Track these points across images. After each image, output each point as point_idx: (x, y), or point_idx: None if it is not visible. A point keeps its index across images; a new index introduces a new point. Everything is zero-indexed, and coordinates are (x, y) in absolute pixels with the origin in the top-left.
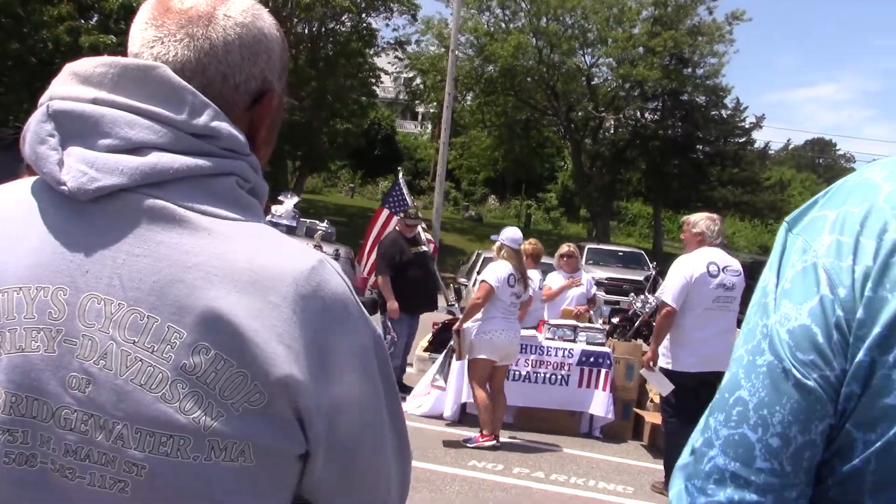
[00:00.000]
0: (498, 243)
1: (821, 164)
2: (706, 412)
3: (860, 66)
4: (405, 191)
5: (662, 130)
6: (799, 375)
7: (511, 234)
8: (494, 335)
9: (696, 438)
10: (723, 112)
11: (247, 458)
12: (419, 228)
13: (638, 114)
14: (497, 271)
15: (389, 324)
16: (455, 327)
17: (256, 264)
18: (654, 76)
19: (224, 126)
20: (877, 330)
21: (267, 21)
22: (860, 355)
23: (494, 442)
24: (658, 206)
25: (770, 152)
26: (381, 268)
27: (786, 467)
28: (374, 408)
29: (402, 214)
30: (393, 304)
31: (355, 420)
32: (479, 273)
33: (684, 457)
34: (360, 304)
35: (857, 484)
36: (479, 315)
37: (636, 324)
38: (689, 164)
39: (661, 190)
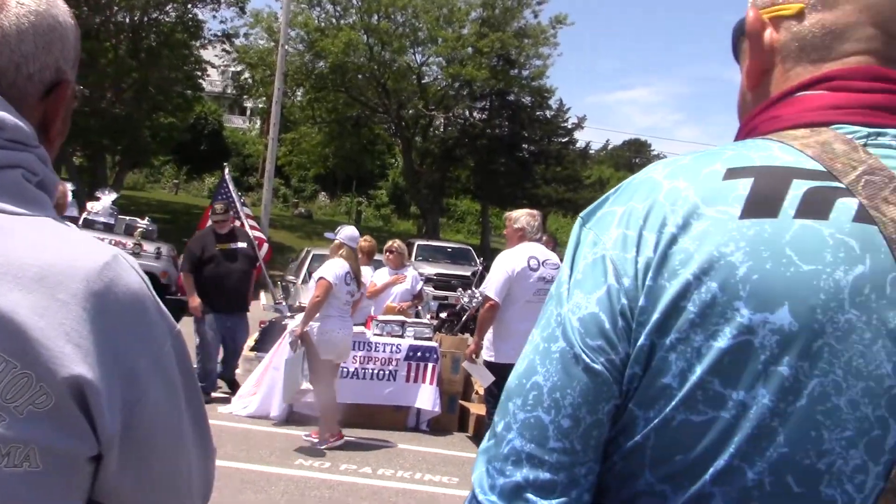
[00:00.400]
0: (337, 241)
1: (637, 163)
2: (504, 397)
3: (672, 72)
4: (231, 187)
5: (490, 129)
6: (588, 360)
7: (350, 232)
8: (332, 335)
9: (496, 423)
10: (547, 112)
11: (32, 463)
12: (247, 226)
13: (467, 113)
14: (335, 269)
15: (195, 324)
16: (298, 331)
17: (43, 260)
18: (483, 76)
19: (8, 117)
20: (656, 316)
21: (61, 9)
22: (641, 339)
23: (344, 440)
24: (486, 202)
25: (591, 152)
26: (183, 265)
27: (576, 446)
28: (171, 405)
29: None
30: (193, 302)
31: (151, 418)
32: (308, 271)
33: (486, 441)
34: (158, 299)
35: (638, 458)
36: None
37: (463, 318)
38: (515, 163)
39: (489, 187)
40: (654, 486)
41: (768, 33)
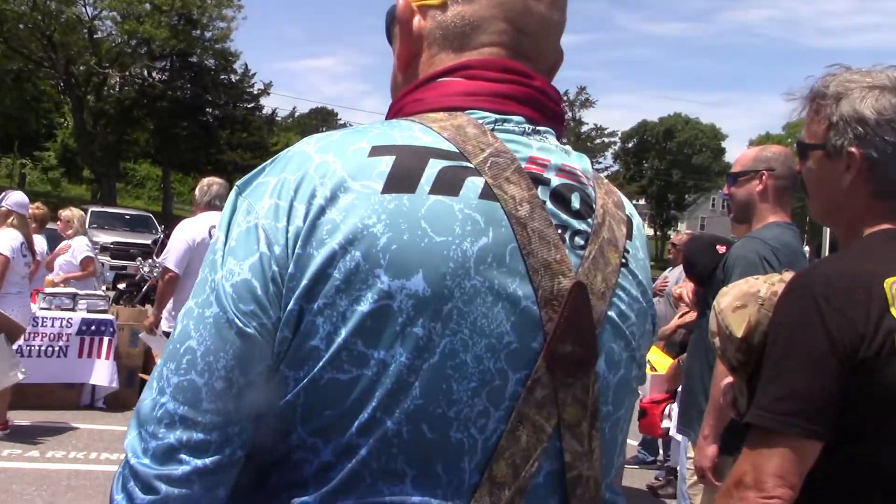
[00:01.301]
0: (4, 209)
1: (324, 131)
2: (160, 363)
3: (359, 43)
4: None
5: (171, 91)
6: (241, 324)
7: (19, 198)
8: (12, 315)
9: (152, 388)
10: (232, 77)
11: None
12: None
13: (145, 72)
14: (9, 240)
15: None
16: None
17: None
18: (162, 35)
19: None
20: (304, 282)
21: None
22: (291, 304)
23: (10, 428)
24: (167, 168)
25: (277, 118)
26: None
27: (229, 407)
28: None
29: None
30: None
31: None
32: None
33: (140, 406)
34: None
35: (290, 415)
36: None
37: (144, 288)
38: (198, 127)
39: (170, 151)
40: (306, 441)
41: (417, 20)
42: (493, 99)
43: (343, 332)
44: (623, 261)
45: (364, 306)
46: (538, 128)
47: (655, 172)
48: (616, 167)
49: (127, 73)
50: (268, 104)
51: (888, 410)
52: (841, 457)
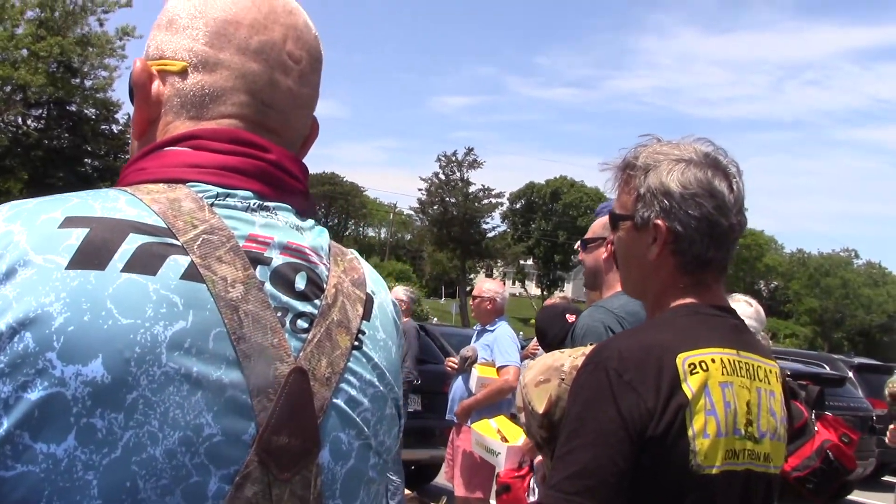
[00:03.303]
0: None
1: None
2: None
3: None
4: None
5: (48, 140)
6: None
7: None
8: None
9: None
10: (114, 127)
11: None
12: None
13: (20, 120)
14: None
15: None
16: None
17: None
18: (39, 82)
19: None
20: None
21: None
22: None
23: None
24: None
25: None
26: None
27: None
28: None
29: None
30: None
31: None
32: None
33: None
34: None
35: None
36: None
37: None
38: (76, 178)
39: None
40: None
41: (156, 85)
42: (218, 172)
43: (6, 423)
44: (356, 343)
45: (32, 394)
46: (267, 203)
47: (542, 233)
48: (504, 227)
49: (0, 120)
50: None
51: (678, 488)
52: None
